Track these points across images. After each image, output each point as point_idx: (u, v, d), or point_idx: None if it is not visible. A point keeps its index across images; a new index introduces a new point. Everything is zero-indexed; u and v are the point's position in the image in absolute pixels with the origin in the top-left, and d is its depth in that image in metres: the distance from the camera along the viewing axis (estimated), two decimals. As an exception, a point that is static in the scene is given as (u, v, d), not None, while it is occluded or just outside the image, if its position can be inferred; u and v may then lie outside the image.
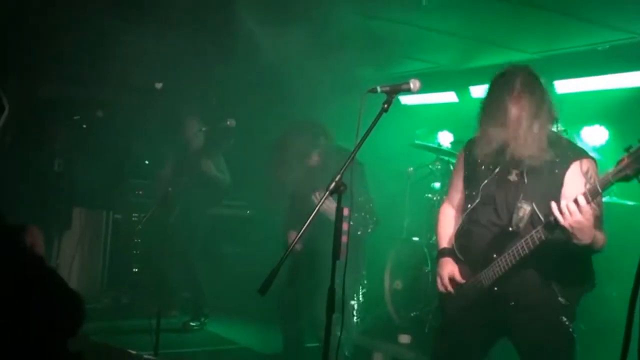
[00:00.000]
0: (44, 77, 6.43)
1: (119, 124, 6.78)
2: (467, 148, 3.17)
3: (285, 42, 5.12)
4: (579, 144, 3.35)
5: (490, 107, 2.89)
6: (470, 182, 3.11)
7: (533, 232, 2.75)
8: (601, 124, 5.31)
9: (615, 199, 4.91)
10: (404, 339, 5.18)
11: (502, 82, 2.88)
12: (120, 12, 4.65)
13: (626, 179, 2.37)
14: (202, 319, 6.37)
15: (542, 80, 2.91)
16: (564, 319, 2.88)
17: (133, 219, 6.96)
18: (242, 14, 4.87)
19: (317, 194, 4.29)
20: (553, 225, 2.65)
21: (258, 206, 7.72)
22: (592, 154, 2.96)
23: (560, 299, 2.87)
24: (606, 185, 2.48)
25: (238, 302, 6.61)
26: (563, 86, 5.66)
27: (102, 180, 6.79)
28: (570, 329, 2.90)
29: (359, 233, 4.48)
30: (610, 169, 2.45)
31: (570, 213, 2.52)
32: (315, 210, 2.73)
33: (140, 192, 6.94)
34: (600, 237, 2.72)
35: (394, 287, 5.64)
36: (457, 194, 3.26)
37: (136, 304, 6.32)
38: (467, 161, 3.17)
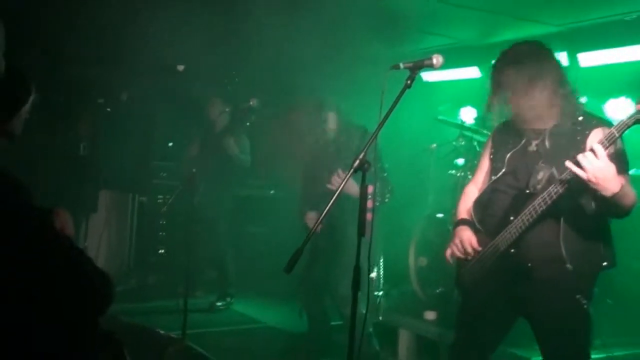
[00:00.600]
0: (68, 60, 6.46)
1: (143, 107, 6.83)
2: (496, 130, 3.20)
3: (303, 21, 5.10)
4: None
5: (491, 87, 2.95)
6: (496, 156, 3.12)
7: (551, 187, 2.72)
8: (627, 96, 5.22)
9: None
10: (430, 315, 5.18)
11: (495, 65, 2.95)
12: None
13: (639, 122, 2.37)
14: (228, 299, 6.45)
15: (543, 50, 2.91)
16: (579, 296, 2.84)
17: (158, 200, 7.02)
18: None
19: (339, 172, 4.28)
20: (570, 181, 2.61)
21: (281, 186, 7.75)
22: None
23: (568, 265, 2.81)
24: (624, 128, 2.46)
25: (263, 282, 6.69)
26: (587, 59, 5.57)
27: (127, 163, 6.87)
28: (585, 307, 2.85)
29: (376, 204, 4.47)
30: (628, 114, 2.45)
31: (590, 162, 2.47)
32: (339, 190, 2.72)
33: (165, 175, 6.98)
34: (629, 190, 2.64)
35: (418, 263, 5.64)
36: (481, 174, 3.26)
37: (163, 285, 6.38)
38: (494, 141, 3.18)
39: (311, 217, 4.63)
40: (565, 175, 2.66)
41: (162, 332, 3.99)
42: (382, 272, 5.56)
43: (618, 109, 5.23)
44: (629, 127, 2.44)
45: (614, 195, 2.54)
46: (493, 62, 2.99)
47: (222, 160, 6.22)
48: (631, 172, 4.74)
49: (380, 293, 5.35)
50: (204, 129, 6.57)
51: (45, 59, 5.94)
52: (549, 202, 2.72)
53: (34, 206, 1.73)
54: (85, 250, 6.23)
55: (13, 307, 1.65)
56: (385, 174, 4.53)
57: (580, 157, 2.50)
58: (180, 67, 6.36)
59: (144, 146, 6.62)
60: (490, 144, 3.22)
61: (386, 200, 4.50)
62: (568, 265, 2.81)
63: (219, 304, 6.41)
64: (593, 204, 2.73)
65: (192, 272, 5.79)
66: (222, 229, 6.42)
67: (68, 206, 2.43)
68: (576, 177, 2.55)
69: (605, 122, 2.87)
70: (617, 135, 2.47)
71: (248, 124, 5.43)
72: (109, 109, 5.80)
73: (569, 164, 2.55)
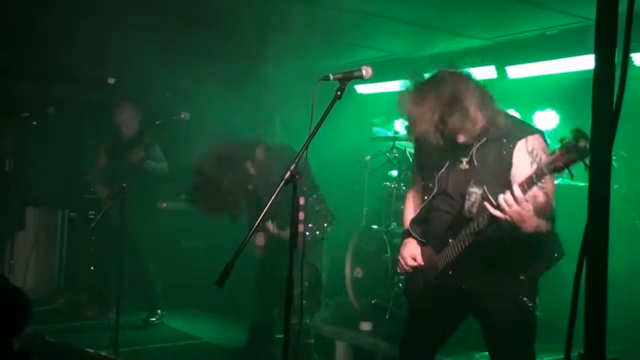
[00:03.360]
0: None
1: (72, 120, 6.65)
2: (422, 139, 3.22)
3: (234, 36, 5.08)
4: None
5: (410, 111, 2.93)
6: (425, 174, 3.16)
7: (480, 217, 2.79)
8: (552, 108, 5.42)
9: (566, 181, 5.01)
10: (365, 326, 5.20)
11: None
12: (70, 4, 4.53)
13: (559, 169, 2.39)
14: (159, 313, 6.27)
15: (459, 71, 2.92)
16: (525, 298, 2.92)
17: (89, 216, 6.83)
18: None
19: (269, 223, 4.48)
20: (494, 218, 2.68)
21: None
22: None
23: (518, 276, 2.91)
24: (540, 175, 2.49)
25: (199, 297, 6.57)
26: (514, 71, 5.75)
27: (55, 178, 6.66)
28: (531, 309, 2.93)
29: (317, 234, 4.56)
30: (544, 160, 2.49)
31: (509, 205, 2.56)
32: (270, 202, 2.71)
33: (95, 189, 6.80)
34: (541, 225, 2.70)
35: (354, 275, 5.68)
36: (418, 180, 3.30)
37: (94, 302, 6.20)
38: (419, 149, 3.22)
39: (259, 237, 4.68)
40: (484, 219, 2.73)
41: (91, 351, 3.86)
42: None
43: (545, 120, 5.42)
44: (545, 175, 2.47)
45: (528, 232, 2.65)
46: (401, 92, 3.00)
47: (136, 169, 5.96)
48: (558, 181, 4.97)
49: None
50: (110, 137, 6.35)
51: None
52: (477, 230, 2.80)
53: None
54: (11, 269, 5.96)
55: None
56: (324, 204, 4.60)
57: (500, 200, 2.58)
58: (111, 80, 6.23)
59: (73, 160, 6.43)
60: (419, 153, 3.26)
61: (327, 230, 4.58)
62: (517, 277, 2.91)
63: (152, 319, 6.23)
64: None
65: (121, 288, 5.67)
66: (145, 243, 6.17)
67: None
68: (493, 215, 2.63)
69: (526, 130, 2.91)
70: (535, 181, 2.52)
71: (157, 122, 5.17)
72: (35, 123, 5.60)
73: (487, 205, 2.64)
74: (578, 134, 2.30)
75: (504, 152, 2.87)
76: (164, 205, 7.50)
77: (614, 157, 4.59)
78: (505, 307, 2.94)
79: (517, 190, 2.54)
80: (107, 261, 5.81)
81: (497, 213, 2.60)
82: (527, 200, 2.55)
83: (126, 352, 4.45)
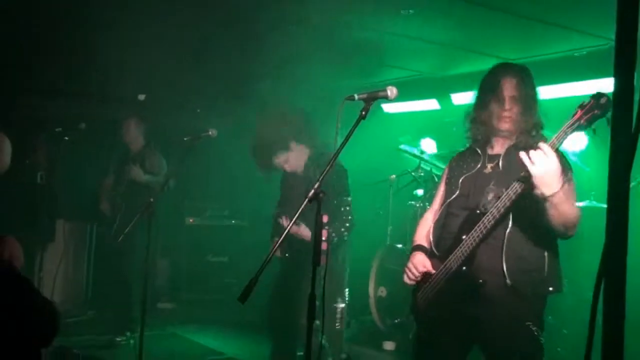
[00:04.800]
0: (25, 90, 6.41)
1: (102, 136, 6.77)
2: (453, 159, 3.30)
3: (262, 55, 5.14)
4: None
5: (481, 106, 3.04)
6: (450, 181, 3.20)
7: (498, 202, 2.79)
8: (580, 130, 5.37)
9: (594, 203, 4.97)
10: (389, 345, 5.20)
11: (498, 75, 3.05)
12: (101, 22, 4.65)
13: (580, 128, 2.56)
14: (129, 334, 5.94)
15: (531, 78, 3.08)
16: (529, 323, 2.87)
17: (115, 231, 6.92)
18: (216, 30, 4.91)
19: (284, 218, 4.40)
20: (523, 178, 2.69)
21: (242, 215, 7.74)
22: (572, 158, 3.04)
23: (508, 281, 2.85)
24: (563, 137, 2.60)
25: (224, 312, 6.62)
26: (543, 92, 5.69)
27: (84, 193, 6.78)
28: (537, 334, 2.88)
29: (334, 237, 4.53)
30: (564, 123, 2.60)
31: (539, 156, 2.57)
32: (290, 225, 2.75)
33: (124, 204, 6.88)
34: (570, 194, 2.75)
35: (378, 294, 5.67)
36: (438, 201, 3.31)
37: (119, 317, 6.25)
38: (451, 168, 3.26)
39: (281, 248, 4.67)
40: (511, 190, 2.74)
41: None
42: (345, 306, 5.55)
43: (573, 141, 5.38)
44: (567, 135, 2.60)
45: (555, 195, 2.62)
46: (493, 70, 3.10)
47: (136, 187, 5.94)
48: (585, 203, 4.92)
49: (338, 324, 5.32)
50: (117, 155, 6.39)
51: (2, 88, 5.88)
52: (497, 216, 2.79)
53: None
54: (40, 281, 6.06)
55: None
56: (348, 208, 4.57)
57: (531, 152, 2.61)
58: (142, 97, 6.34)
59: (102, 175, 6.55)
60: (447, 171, 3.30)
61: (344, 236, 4.55)
62: (508, 281, 2.85)
63: (118, 339, 5.94)
64: (538, 218, 2.77)
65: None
66: (133, 261, 5.76)
67: (25, 235, 2.38)
68: (522, 188, 2.66)
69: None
70: (557, 144, 2.61)
71: (185, 139, 5.00)
72: (66, 138, 5.72)
73: (522, 154, 2.64)
74: (598, 94, 2.54)
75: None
76: (190, 221, 7.60)
77: None
78: (511, 330, 2.89)
79: (545, 146, 2.58)
80: (130, 276, 5.85)
81: (527, 162, 2.59)
82: (553, 155, 2.58)
83: (150, 367, 4.48)
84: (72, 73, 6.10)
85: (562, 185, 2.64)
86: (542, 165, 2.58)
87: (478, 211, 2.93)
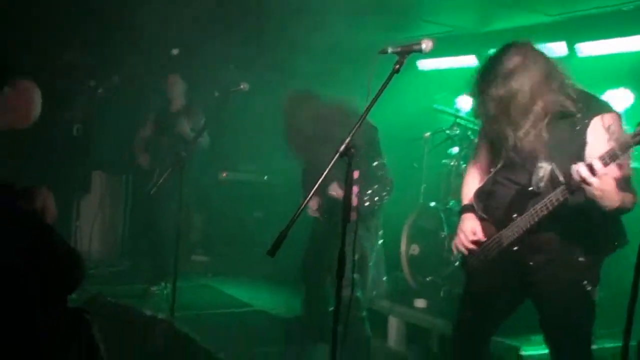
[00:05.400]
0: (59, 43, 6.43)
1: (136, 90, 6.80)
2: None
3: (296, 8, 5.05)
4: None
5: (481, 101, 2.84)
6: (494, 146, 3.06)
7: (552, 194, 2.71)
8: (626, 86, 5.18)
9: (637, 165, 4.82)
10: (420, 303, 5.19)
11: (493, 66, 2.81)
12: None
13: None
14: (163, 284, 5.99)
15: (539, 50, 2.82)
16: (585, 282, 2.84)
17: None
18: None
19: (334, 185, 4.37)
20: (572, 189, 2.61)
21: (275, 171, 7.74)
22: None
23: (580, 259, 2.82)
24: (626, 148, 2.40)
25: (257, 266, 6.70)
26: (585, 49, 5.53)
27: (119, 145, 6.85)
28: (591, 294, 2.85)
29: (376, 200, 4.49)
30: (631, 132, 2.39)
31: (587, 183, 2.45)
32: (324, 175, 2.70)
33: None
34: (629, 198, 2.64)
35: (410, 252, 5.64)
36: (483, 155, 3.21)
37: (153, 267, 6.36)
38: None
39: (314, 201, 4.65)
40: (566, 184, 2.65)
41: (148, 312, 3.98)
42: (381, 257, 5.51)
43: (616, 99, 5.19)
44: (631, 146, 2.39)
45: (611, 208, 2.56)
46: (477, 73, 2.90)
47: (179, 142, 5.88)
48: (634, 165, 4.77)
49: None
50: (158, 108, 6.42)
51: (37, 42, 5.91)
52: (551, 208, 2.72)
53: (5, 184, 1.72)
54: (77, 231, 6.15)
55: None
56: (384, 172, 4.54)
57: (574, 172, 2.48)
58: (175, 51, 6.32)
59: (136, 128, 6.59)
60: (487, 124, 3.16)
61: (385, 198, 4.52)
62: (580, 259, 2.82)
63: (153, 288, 6.08)
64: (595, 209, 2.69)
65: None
66: (168, 213, 5.62)
67: (61, 187, 2.41)
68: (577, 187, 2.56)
69: (603, 107, 2.80)
70: (619, 154, 2.42)
71: (217, 94, 4.92)
72: (100, 91, 5.75)
73: (573, 170, 2.51)
74: None
75: (578, 128, 2.76)
76: (224, 174, 7.62)
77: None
78: (565, 290, 2.87)
79: (596, 163, 2.44)
80: (164, 228, 5.91)
81: (575, 184, 2.51)
82: (607, 174, 2.45)
83: (182, 316, 4.56)
84: (107, 25, 6.10)
85: (621, 202, 2.56)
86: (594, 188, 2.47)
87: (530, 188, 2.85)
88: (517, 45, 2.83)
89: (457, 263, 4.87)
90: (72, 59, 6.42)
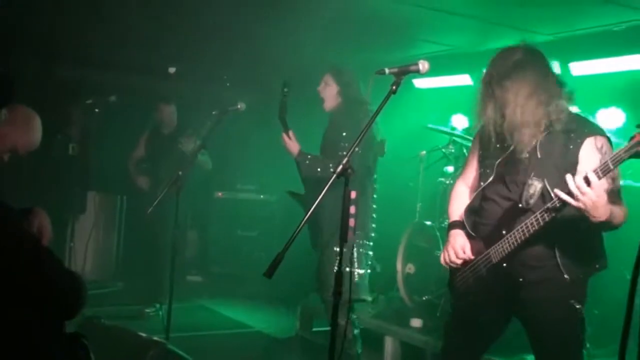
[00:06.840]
0: (57, 60, 6.45)
1: (133, 109, 6.81)
2: (483, 128, 3.16)
3: (294, 28, 5.07)
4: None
5: (483, 95, 2.92)
6: (484, 161, 3.08)
7: (542, 210, 2.71)
8: (617, 106, 5.22)
9: (630, 182, 4.84)
10: (416, 322, 5.17)
11: (493, 67, 2.92)
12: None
13: (638, 155, 2.33)
14: (158, 305, 5.95)
15: (540, 57, 2.94)
16: (572, 301, 2.84)
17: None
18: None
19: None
20: (562, 206, 2.61)
21: (271, 190, 7.74)
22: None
23: (566, 276, 2.82)
24: (618, 161, 2.42)
25: (252, 286, 6.67)
26: (578, 68, 5.57)
27: (115, 165, 6.84)
28: (579, 312, 2.86)
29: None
30: (623, 146, 2.41)
31: (582, 192, 2.47)
32: (320, 196, 2.70)
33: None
34: (618, 212, 2.66)
35: (406, 271, 5.62)
36: (471, 172, 3.21)
37: (147, 288, 6.33)
38: (482, 140, 3.13)
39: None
40: (555, 202, 2.65)
41: (143, 335, 3.94)
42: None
43: (609, 118, 5.23)
44: (623, 160, 2.41)
45: (601, 221, 2.57)
46: (485, 70, 2.96)
47: (174, 163, 5.80)
48: (622, 182, 4.80)
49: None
50: (150, 130, 6.48)
51: (35, 59, 5.92)
52: (542, 224, 2.72)
53: (6, 206, 1.70)
54: (71, 251, 6.10)
55: None
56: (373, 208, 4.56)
57: (572, 186, 2.50)
58: (172, 70, 6.34)
59: (132, 148, 6.59)
60: (477, 143, 3.17)
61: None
62: (565, 277, 2.82)
63: (147, 310, 6.05)
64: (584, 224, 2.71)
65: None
66: (166, 233, 5.58)
67: (56, 206, 2.40)
68: (565, 201, 2.56)
69: (596, 129, 2.84)
70: (611, 167, 2.44)
71: (214, 112, 4.94)
72: (97, 110, 5.75)
73: (558, 192, 2.56)
74: None
75: (571, 146, 2.79)
76: (219, 195, 7.62)
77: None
78: (555, 310, 2.87)
79: (592, 175, 2.46)
80: (160, 248, 5.89)
81: (569, 200, 2.52)
82: (601, 187, 2.48)
83: (177, 338, 4.53)
84: (104, 43, 6.12)
85: (610, 214, 2.58)
86: (584, 199, 2.48)
87: (520, 205, 2.85)
88: (529, 51, 2.96)
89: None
90: (69, 76, 6.43)
